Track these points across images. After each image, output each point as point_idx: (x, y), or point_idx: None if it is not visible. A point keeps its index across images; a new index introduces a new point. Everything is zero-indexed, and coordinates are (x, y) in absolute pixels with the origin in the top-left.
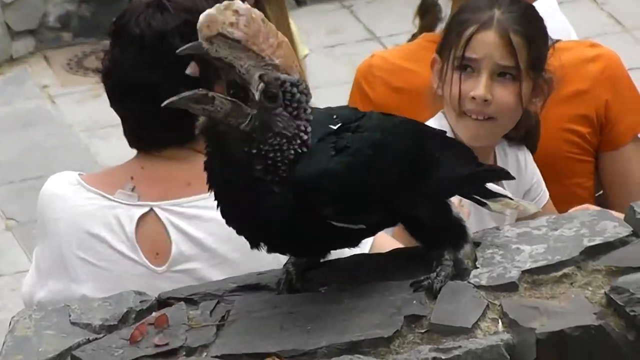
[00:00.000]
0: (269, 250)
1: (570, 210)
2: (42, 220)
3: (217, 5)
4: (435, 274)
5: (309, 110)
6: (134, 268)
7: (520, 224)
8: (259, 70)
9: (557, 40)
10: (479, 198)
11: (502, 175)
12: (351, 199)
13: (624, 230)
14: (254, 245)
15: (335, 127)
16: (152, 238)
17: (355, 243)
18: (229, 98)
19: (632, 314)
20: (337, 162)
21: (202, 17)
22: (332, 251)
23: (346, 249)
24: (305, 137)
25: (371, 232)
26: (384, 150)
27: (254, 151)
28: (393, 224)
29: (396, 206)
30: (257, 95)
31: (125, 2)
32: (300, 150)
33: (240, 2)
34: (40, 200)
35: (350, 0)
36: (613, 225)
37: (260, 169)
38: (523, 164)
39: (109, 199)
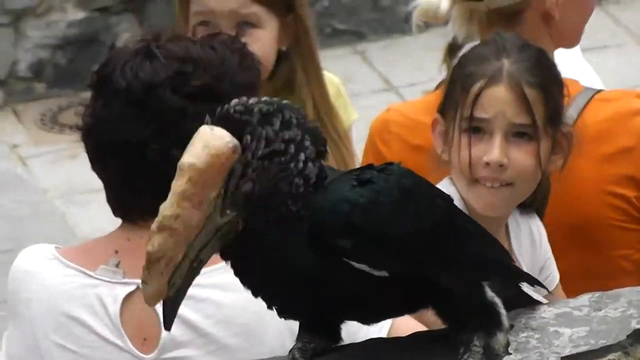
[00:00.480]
0: (281, 312)
1: None
2: (13, 301)
3: (142, 273)
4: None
5: (272, 136)
6: (119, 355)
7: (559, 304)
8: (216, 220)
9: (599, 91)
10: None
11: (530, 280)
12: (371, 235)
13: None
14: (270, 304)
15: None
16: (139, 320)
17: (372, 308)
18: (212, 242)
19: None
20: (359, 194)
21: (147, 300)
22: (346, 329)
23: (362, 331)
24: (300, 164)
25: (394, 308)
26: (411, 196)
27: (262, 227)
28: (416, 305)
29: (421, 262)
30: (233, 218)
31: (107, 48)
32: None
33: (153, 238)
34: (10, 278)
35: (363, 45)
36: None
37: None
38: (537, 237)
39: (91, 276)
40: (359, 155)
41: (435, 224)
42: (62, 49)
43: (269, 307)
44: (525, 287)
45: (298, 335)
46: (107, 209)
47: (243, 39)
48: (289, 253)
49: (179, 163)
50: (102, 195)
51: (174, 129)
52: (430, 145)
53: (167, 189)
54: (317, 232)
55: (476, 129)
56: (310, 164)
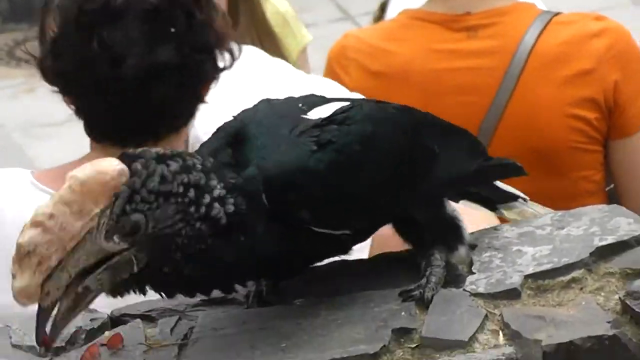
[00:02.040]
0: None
1: None
2: None
3: (12, 266)
4: (425, 279)
5: (170, 176)
6: None
7: (522, 223)
8: (99, 240)
9: (557, 13)
10: (489, 200)
11: (514, 170)
12: (333, 202)
13: None
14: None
15: (309, 117)
16: None
17: (343, 251)
18: (100, 269)
19: None
20: (319, 160)
21: (15, 295)
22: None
23: None
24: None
25: (363, 236)
26: (373, 145)
27: (166, 269)
28: (383, 224)
29: (386, 208)
30: (123, 246)
31: None
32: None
33: (25, 231)
34: None
35: None
36: (627, 222)
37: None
38: None
39: None
40: None
41: (398, 164)
42: None
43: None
44: (501, 184)
45: None
46: (66, 141)
47: None
48: (229, 254)
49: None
50: (60, 128)
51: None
52: (390, 70)
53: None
54: (275, 202)
55: None
56: (216, 206)
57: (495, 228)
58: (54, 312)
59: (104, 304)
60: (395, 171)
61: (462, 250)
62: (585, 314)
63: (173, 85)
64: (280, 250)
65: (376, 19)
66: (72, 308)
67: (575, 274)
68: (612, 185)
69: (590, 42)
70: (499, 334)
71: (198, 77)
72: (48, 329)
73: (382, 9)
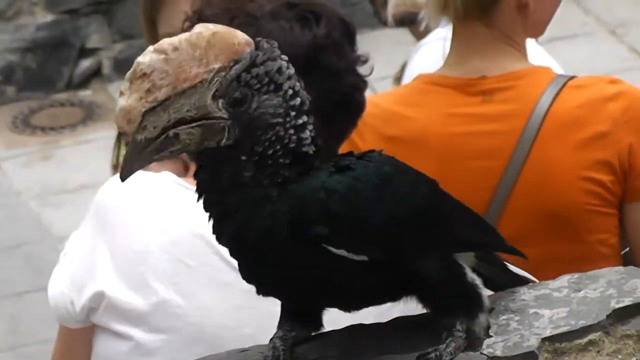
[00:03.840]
0: (259, 289)
1: None
2: (113, 212)
3: (123, 84)
4: (444, 345)
5: (287, 73)
6: (240, 282)
7: (538, 286)
8: (206, 95)
9: (572, 77)
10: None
11: (514, 252)
12: (349, 221)
13: None
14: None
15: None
16: None
17: (354, 299)
18: (195, 124)
19: None
20: (337, 181)
21: (117, 113)
22: (329, 308)
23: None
24: (299, 108)
25: (375, 295)
26: (392, 183)
27: (244, 157)
28: (399, 290)
29: (401, 247)
30: (223, 114)
31: (76, 50)
32: (298, 131)
33: (147, 54)
34: (110, 191)
35: None
36: None
37: (252, 175)
38: None
39: None
40: None
41: (416, 211)
42: (32, 52)
43: (244, 278)
44: (512, 267)
45: (279, 323)
46: (81, 207)
47: None
48: (262, 227)
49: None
50: (75, 195)
51: None
52: (406, 135)
53: None
54: (295, 219)
55: None
56: (308, 133)
57: (512, 291)
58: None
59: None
60: (412, 215)
61: (482, 318)
62: None
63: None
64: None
65: (396, 79)
66: (158, 151)
67: (592, 336)
68: (627, 249)
69: (606, 106)
70: None
71: None
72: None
73: (403, 67)
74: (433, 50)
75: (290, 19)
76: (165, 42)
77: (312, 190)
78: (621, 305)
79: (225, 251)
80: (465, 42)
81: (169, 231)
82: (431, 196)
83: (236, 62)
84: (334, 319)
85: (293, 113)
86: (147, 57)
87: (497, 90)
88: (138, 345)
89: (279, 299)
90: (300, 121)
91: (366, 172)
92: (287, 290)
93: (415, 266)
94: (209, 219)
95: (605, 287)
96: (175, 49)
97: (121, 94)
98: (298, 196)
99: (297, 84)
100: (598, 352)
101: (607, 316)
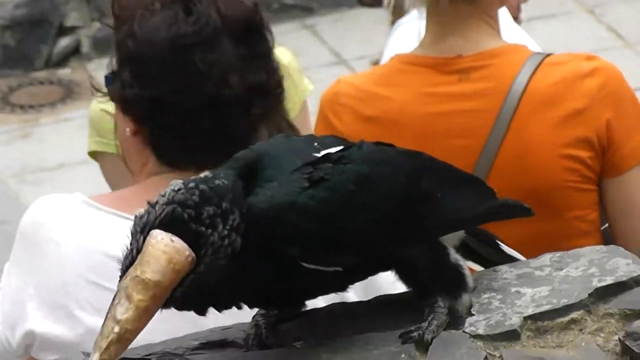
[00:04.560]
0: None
1: None
2: (34, 238)
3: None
4: (427, 323)
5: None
6: None
7: (520, 265)
8: None
9: (549, 54)
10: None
11: (521, 211)
12: (322, 238)
13: (638, 268)
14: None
15: (318, 155)
16: None
17: (339, 288)
18: None
19: None
20: (309, 196)
21: None
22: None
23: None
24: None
25: (361, 275)
26: (369, 186)
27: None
28: (385, 267)
29: (380, 248)
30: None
31: (54, 28)
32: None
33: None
34: (29, 219)
35: (312, 19)
36: (626, 263)
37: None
38: None
39: (131, 220)
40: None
41: (395, 207)
42: (11, 30)
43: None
44: (503, 246)
45: None
46: (61, 187)
47: None
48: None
49: (143, 277)
50: (54, 173)
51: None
52: (383, 115)
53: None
54: (265, 239)
55: None
56: (236, 239)
57: (494, 269)
58: None
59: (184, 322)
60: (391, 213)
61: (466, 298)
62: (584, 355)
63: (266, 104)
64: (274, 283)
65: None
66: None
67: (575, 315)
68: (606, 225)
69: (583, 82)
70: None
71: (279, 96)
72: None
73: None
74: (409, 30)
75: (164, 15)
76: (128, 329)
77: (282, 210)
78: (603, 284)
79: None
80: (442, 22)
81: (85, 257)
82: (412, 184)
83: (180, 284)
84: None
85: (225, 251)
86: (112, 352)
87: (473, 69)
88: None
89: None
90: (230, 248)
91: (341, 179)
92: (268, 302)
93: (397, 254)
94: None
95: (587, 266)
96: (137, 330)
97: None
98: (266, 216)
99: (226, 231)
100: (580, 330)
101: (589, 295)
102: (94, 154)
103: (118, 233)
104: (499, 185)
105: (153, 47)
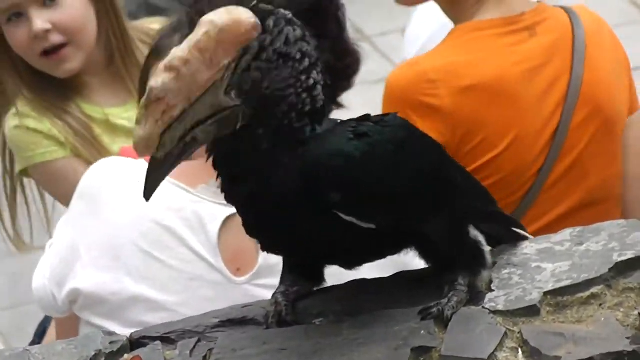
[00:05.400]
0: (265, 245)
1: None
2: (92, 198)
3: (138, 110)
4: (447, 299)
5: (294, 38)
6: (209, 273)
7: (540, 239)
8: (219, 93)
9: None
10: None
11: (517, 224)
12: (363, 190)
13: None
14: (251, 233)
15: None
16: (235, 247)
17: (358, 259)
18: (210, 121)
19: None
20: (355, 147)
21: (136, 141)
22: (332, 265)
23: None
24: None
25: (377, 252)
26: (406, 150)
27: (260, 131)
28: (401, 245)
29: (412, 212)
30: (236, 102)
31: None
32: (312, 92)
33: (159, 75)
34: (90, 176)
35: None
36: None
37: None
38: None
39: (190, 192)
40: None
41: (426, 177)
42: None
43: (250, 235)
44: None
45: (281, 278)
46: None
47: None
48: (276, 187)
49: (201, 19)
50: None
51: None
52: (483, 81)
53: None
54: (309, 183)
55: None
56: (320, 90)
57: (514, 245)
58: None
59: (225, 302)
60: (424, 179)
61: (485, 274)
62: (604, 330)
63: None
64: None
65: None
66: (177, 159)
67: (595, 290)
68: None
69: (606, 26)
70: (518, 352)
71: None
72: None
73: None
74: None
75: None
76: (175, 57)
77: (330, 156)
78: (623, 258)
79: (194, 243)
80: None
81: (139, 224)
82: (441, 163)
83: (245, 50)
84: (335, 273)
85: (304, 77)
86: (159, 80)
87: (537, 24)
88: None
89: (283, 255)
90: (311, 82)
91: (382, 138)
92: (291, 249)
93: (420, 227)
94: (219, 179)
95: (608, 240)
96: (186, 62)
97: (137, 122)
98: (315, 160)
99: (304, 44)
100: (600, 305)
101: (610, 269)
102: (25, 172)
103: (174, 204)
104: (581, 119)
105: None
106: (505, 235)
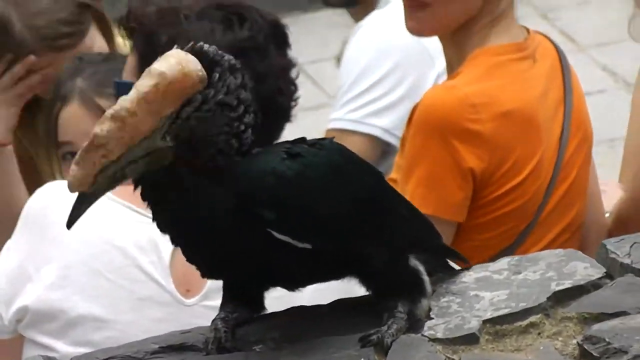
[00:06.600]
0: (203, 271)
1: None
2: (37, 220)
3: (79, 154)
4: (386, 327)
5: (234, 86)
6: (160, 294)
7: (478, 268)
8: (156, 138)
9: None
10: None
11: (458, 257)
12: (295, 209)
13: (596, 272)
14: (189, 260)
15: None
16: (186, 268)
17: (297, 280)
18: (140, 161)
19: None
20: (288, 166)
21: (71, 182)
22: (274, 287)
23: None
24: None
25: (322, 272)
26: (340, 173)
27: (185, 170)
28: (346, 269)
29: (345, 236)
30: (170, 144)
31: None
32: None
33: (104, 122)
34: (37, 202)
35: None
36: (584, 267)
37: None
38: None
39: (142, 214)
40: None
41: (362, 202)
42: None
43: (189, 261)
44: (453, 264)
45: (221, 304)
46: None
47: None
48: (207, 212)
49: (150, 68)
50: None
51: None
52: (520, 105)
53: None
54: (242, 201)
55: None
56: (249, 132)
57: (453, 273)
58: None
59: (174, 323)
60: (357, 205)
61: (425, 303)
62: (543, 358)
63: None
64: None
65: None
66: (104, 192)
67: (533, 318)
68: None
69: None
70: None
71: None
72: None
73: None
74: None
75: (215, 20)
76: (123, 108)
77: (262, 174)
78: (561, 287)
79: (145, 263)
80: (509, 9)
81: (89, 243)
82: (381, 190)
83: (188, 102)
84: (277, 297)
85: (236, 123)
86: (104, 128)
87: (535, 51)
88: (62, 357)
89: (223, 279)
90: (242, 127)
91: (316, 160)
92: (229, 272)
93: (359, 251)
94: (148, 205)
95: (545, 270)
96: (133, 114)
97: (76, 163)
98: (248, 178)
99: (242, 91)
100: (539, 334)
101: (548, 298)
102: None
103: (126, 225)
104: (572, 135)
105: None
106: (442, 267)
